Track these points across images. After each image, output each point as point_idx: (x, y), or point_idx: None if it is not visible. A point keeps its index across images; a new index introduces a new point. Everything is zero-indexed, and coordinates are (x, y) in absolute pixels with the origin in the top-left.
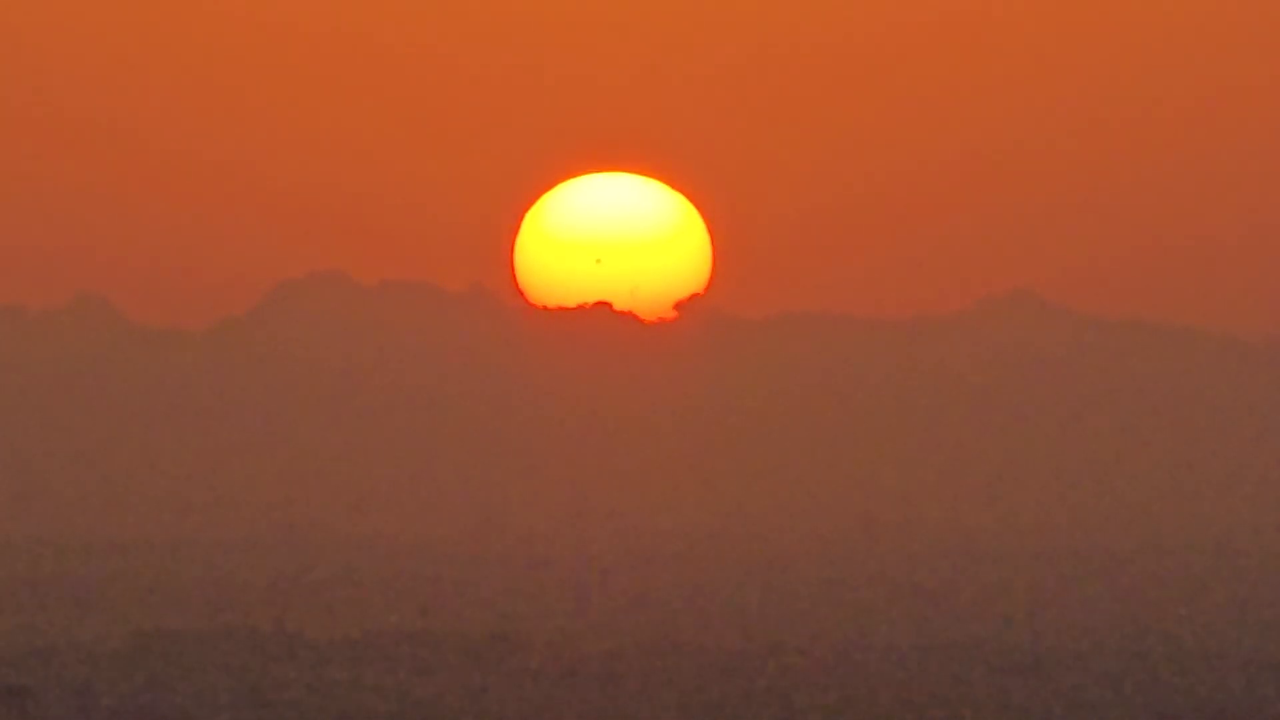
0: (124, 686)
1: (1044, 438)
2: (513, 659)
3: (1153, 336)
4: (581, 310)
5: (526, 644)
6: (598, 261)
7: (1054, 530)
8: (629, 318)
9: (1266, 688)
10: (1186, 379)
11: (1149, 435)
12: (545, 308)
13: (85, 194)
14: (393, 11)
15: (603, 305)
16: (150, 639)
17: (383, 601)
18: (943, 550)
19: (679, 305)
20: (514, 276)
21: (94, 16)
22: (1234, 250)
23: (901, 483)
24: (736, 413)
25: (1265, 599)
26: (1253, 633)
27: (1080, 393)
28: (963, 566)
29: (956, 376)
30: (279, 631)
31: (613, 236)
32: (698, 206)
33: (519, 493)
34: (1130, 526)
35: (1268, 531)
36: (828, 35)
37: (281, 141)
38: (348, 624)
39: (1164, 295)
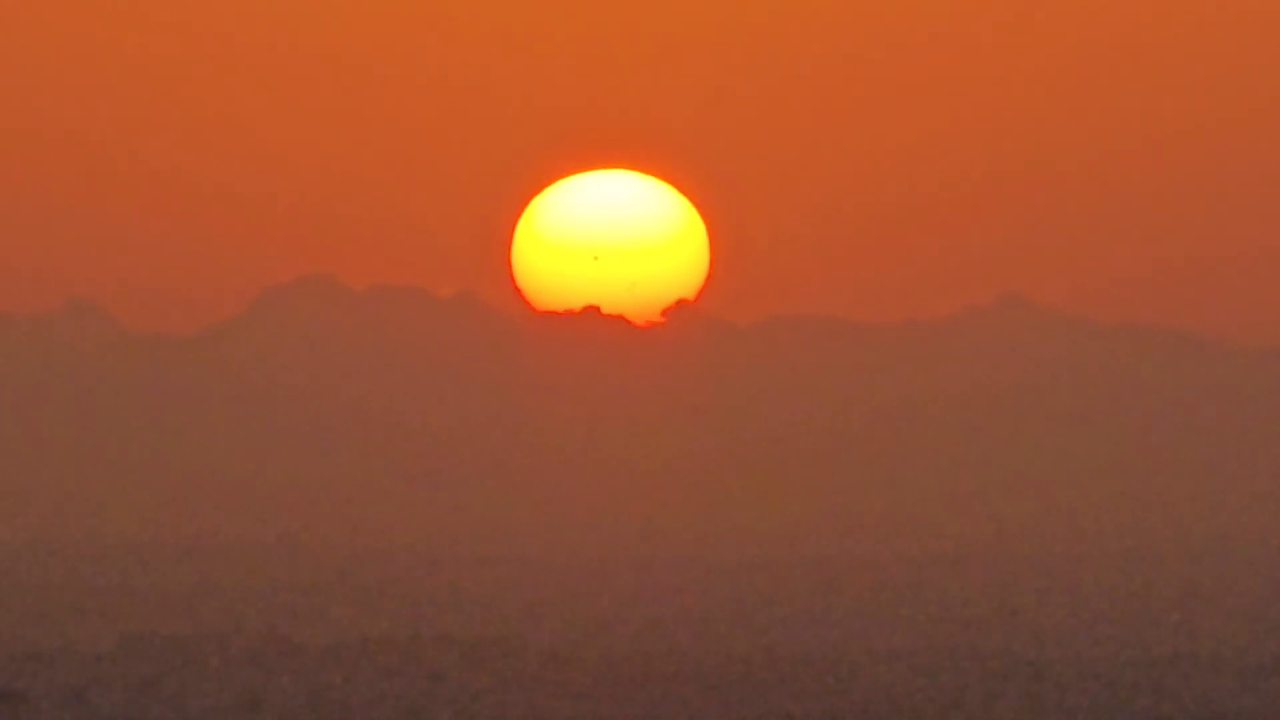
0: (116, 691)
1: (1036, 442)
2: (506, 665)
3: (1144, 341)
4: (571, 315)
5: (520, 650)
6: (595, 259)
7: (1047, 535)
8: (620, 322)
9: (1262, 692)
10: (1179, 383)
11: (1141, 439)
12: (540, 311)
13: (76, 200)
14: (377, 12)
15: (591, 309)
16: (142, 643)
17: (375, 607)
18: (936, 555)
19: (666, 312)
20: (512, 278)
21: (85, 28)
22: (1226, 255)
23: (894, 487)
24: (728, 418)
25: (1259, 604)
26: (1248, 637)
27: (1071, 397)
28: (956, 571)
29: (947, 380)
30: (271, 636)
31: (613, 238)
32: (699, 209)
33: (510, 498)
34: (1124, 531)
35: (1261, 536)
36: (829, 49)
37: (271, 146)
38: (340, 629)
39: (1155, 299)
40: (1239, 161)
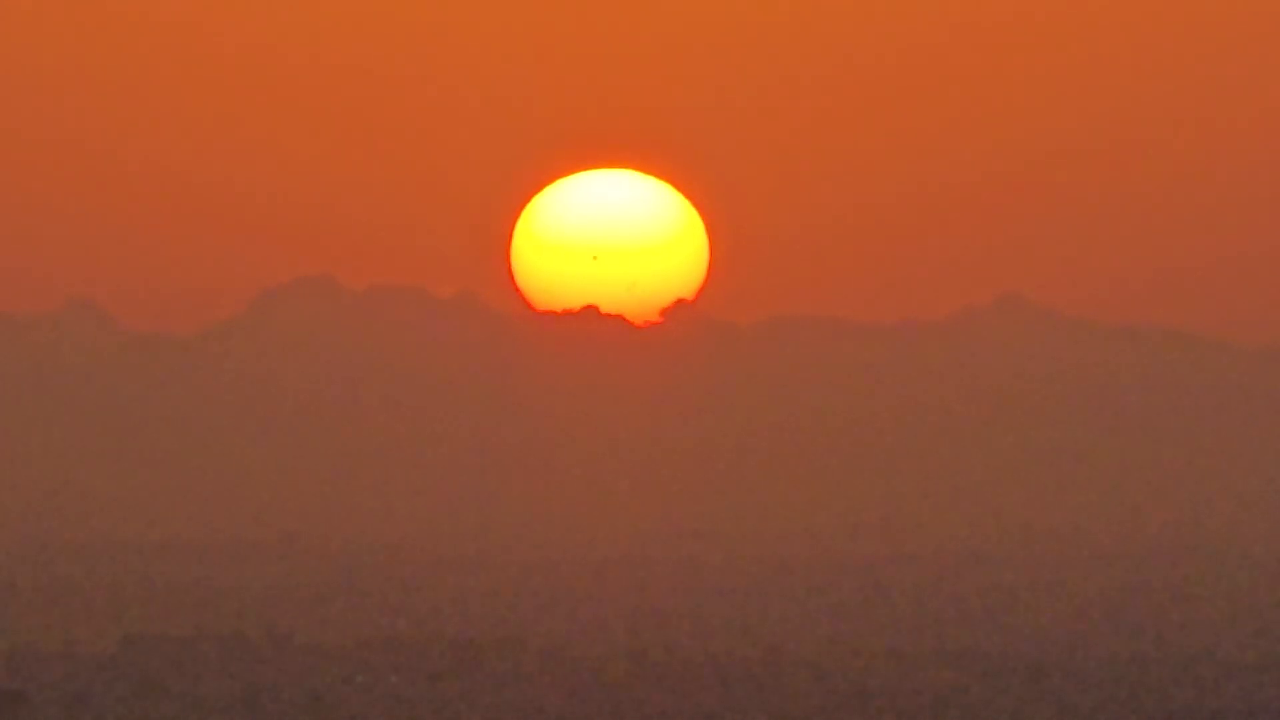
0: (116, 691)
1: (1033, 442)
2: (506, 664)
3: (1141, 340)
4: (570, 315)
5: (519, 648)
6: (594, 259)
7: (1045, 534)
8: (619, 321)
9: (1259, 691)
10: (1175, 382)
11: (1140, 439)
12: (539, 311)
13: (76, 200)
14: (376, 14)
15: (590, 309)
16: (142, 644)
17: (374, 606)
18: (934, 554)
19: (664, 312)
20: (511, 278)
21: (85, 29)
22: (1226, 256)
23: (893, 487)
24: (727, 417)
25: (1258, 603)
26: (1247, 637)
27: (1069, 396)
28: (953, 570)
29: (946, 380)
30: (271, 636)
31: (613, 237)
32: (699, 209)
33: (509, 498)
34: (1121, 530)
35: (1260, 536)
36: (829, 50)
37: (271, 146)
38: (339, 629)
39: (1155, 300)
40: (1239, 162)
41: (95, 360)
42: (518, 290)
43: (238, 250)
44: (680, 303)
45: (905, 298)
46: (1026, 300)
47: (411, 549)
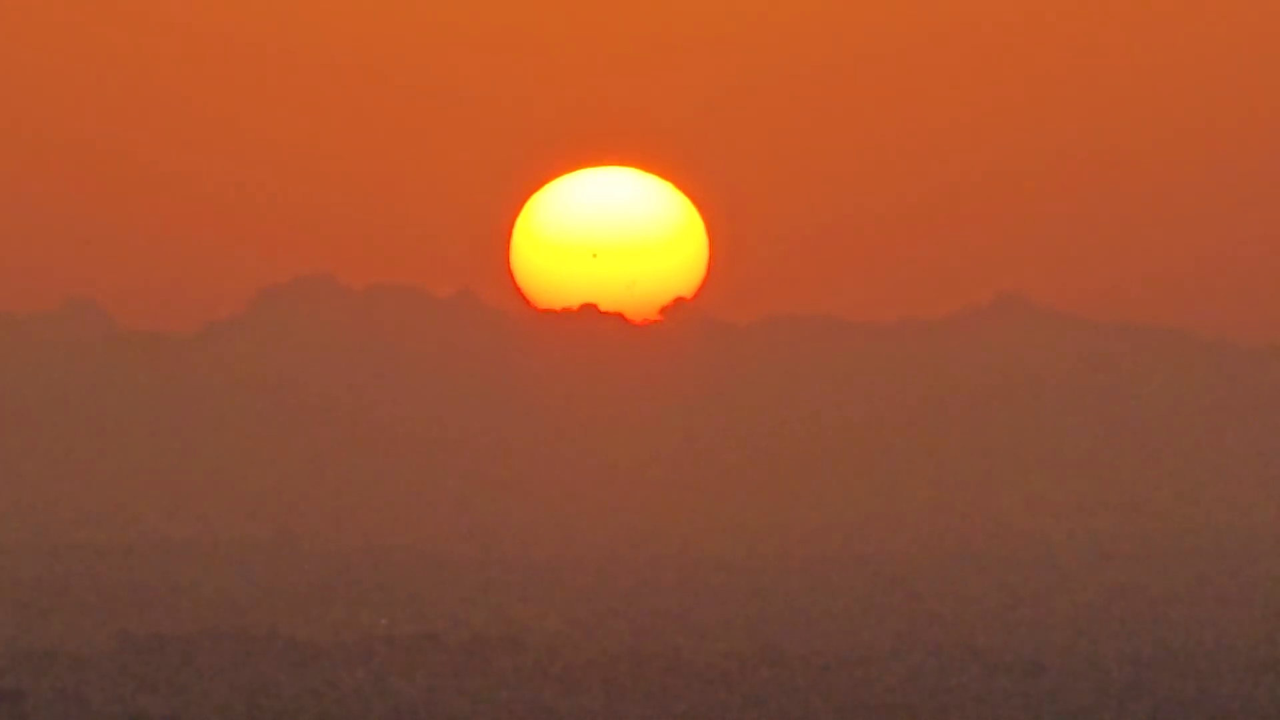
0: (116, 690)
1: (1033, 441)
2: (505, 662)
3: (1141, 339)
4: (568, 313)
5: (519, 647)
6: (594, 257)
7: (1046, 535)
8: (618, 319)
9: (1263, 691)
10: (1175, 382)
11: (1138, 438)
12: (539, 309)
13: (75, 200)
14: (375, 12)
15: (589, 307)
16: (142, 643)
17: (374, 605)
18: (934, 555)
19: (664, 310)
20: (511, 277)
21: (85, 28)
22: (1225, 255)
23: (892, 486)
24: (726, 416)
25: (1258, 602)
26: (1248, 636)
27: (1068, 396)
28: (955, 571)
29: (945, 380)
30: (272, 635)
31: (612, 235)
32: (699, 207)
33: (510, 498)
34: (1122, 530)
35: (1260, 535)
36: (829, 49)
37: (270, 146)
38: (340, 628)
39: (1152, 298)
40: (1239, 161)
41: (95, 360)
42: (517, 288)
43: (238, 250)
44: (680, 301)
45: (905, 297)
46: (1026, 300)
47: (411, 549)
